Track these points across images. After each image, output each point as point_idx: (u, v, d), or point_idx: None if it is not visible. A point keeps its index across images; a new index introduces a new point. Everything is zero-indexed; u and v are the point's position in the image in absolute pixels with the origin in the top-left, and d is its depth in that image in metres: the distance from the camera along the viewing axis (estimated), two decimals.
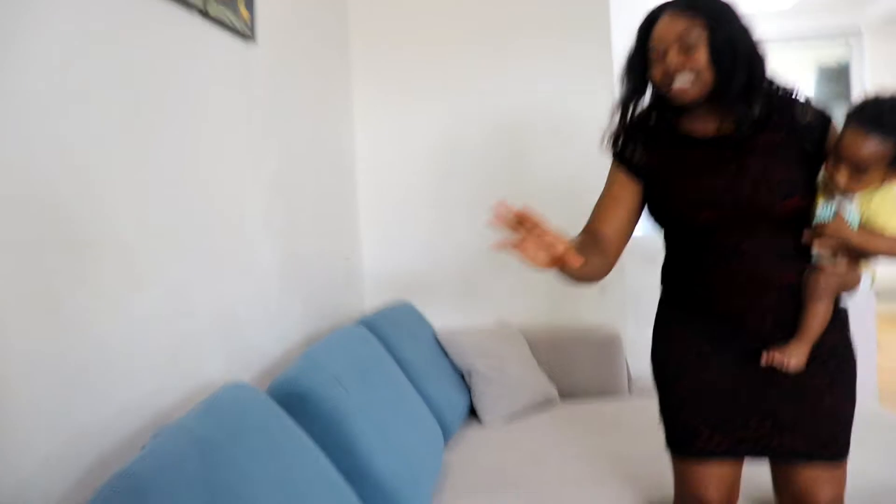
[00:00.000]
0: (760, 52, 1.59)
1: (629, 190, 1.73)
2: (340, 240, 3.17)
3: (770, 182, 1.56)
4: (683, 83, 1.55)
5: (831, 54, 7.36)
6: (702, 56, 1.53)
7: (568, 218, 3.22)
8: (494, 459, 2.42)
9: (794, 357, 1.54)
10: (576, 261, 1.40)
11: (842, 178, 1.48)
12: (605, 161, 1.78)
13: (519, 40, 3.36)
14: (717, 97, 1.57)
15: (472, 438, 2.63)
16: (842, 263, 1.54)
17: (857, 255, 1.54)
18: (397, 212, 3.42)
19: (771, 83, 1.62)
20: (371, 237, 3.40)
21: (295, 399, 1.73)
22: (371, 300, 3.31)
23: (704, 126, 1.64)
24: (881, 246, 1.51)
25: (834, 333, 1.61)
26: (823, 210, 1.53)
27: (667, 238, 1.76)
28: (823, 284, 1.54)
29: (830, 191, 1.53)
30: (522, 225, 1.39)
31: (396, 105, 3.40)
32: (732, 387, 1.65)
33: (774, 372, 1.57)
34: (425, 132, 3.41)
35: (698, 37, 1.52)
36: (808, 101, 1.63)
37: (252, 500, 1.28)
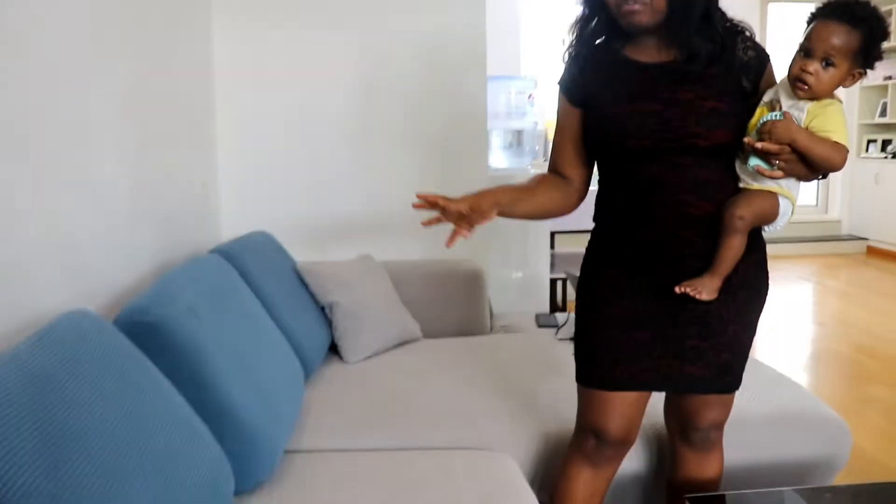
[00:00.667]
0: None
1: (573, 118, 1.72)
2: (196, 166, 2.94)
3: (699, 112, 1.55)
4: (636, 6, 1.52)
5: None
6: None
7: (444, 145, 3.18)
8: (357, 396, 2.33)
9: (706, 289, 1.56)
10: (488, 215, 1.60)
11: (811, 70, 1.49)
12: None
13: None
14: (669, 26, 1.55)
15: (334, 375, 2.53)
16: (778, 171, 1.53)
17: (796, 161, 1.52)
18: (257, 141, 3.21)
19: (718, 14, 1.60)
20: (229, 165, 3.18)
21: (144, 329, 1.57)
22: (228, 231, 3.11)
23: (649, 53, 1.62)
24: (823, 149, 1.50)
25: (748, 265, 1.64)
26: (770, 115, 1.52)
27: (599, 169, 1.74)
28: (739, 219, 1.55)
29: (773, 107, 1.54)
30: (437, 207, 1.55)
31: (259, 29, 3.16)
32: (644, 319, 1.66)
33: (686, 303, 1.58)
34: (290, 60, 3.21)
35: None
36: (750, 38, 1.62)
37: (90, 435, 1.14)
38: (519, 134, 3.81)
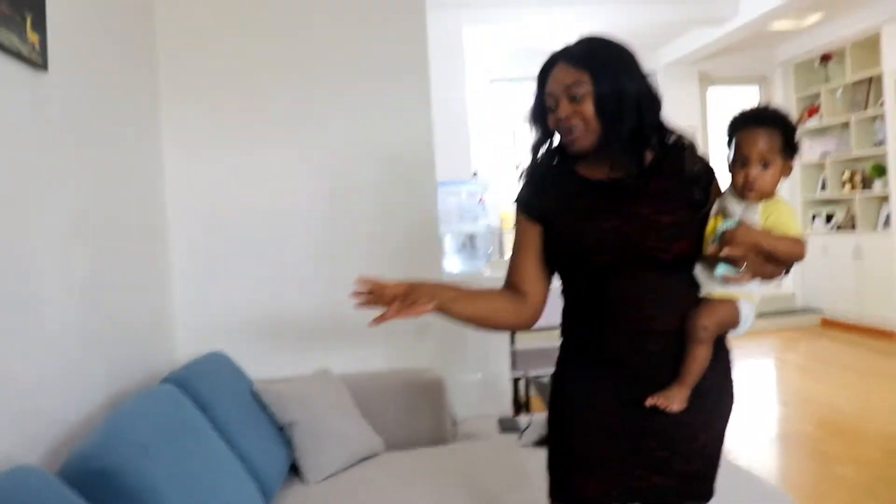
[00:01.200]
0: (651, 100, 1.63)
1: (533, 234, 1.73)
2: (150, 286, 2.92)
3: (658, 226, 1.59)
4: (574, 132, 1.59)
5: None
6: (588, 107, 1.58)
7: (397, 252, 3.21)
8: None
9: (675, 400, 1.58)
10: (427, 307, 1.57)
11: (754, 174, 1.58)
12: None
13: (339, 83, 3.28)
14: (606, 145, 1.61)
15: (296, 498, 2.47)
16: (747, 274, 1.56)
17: (763, 263, 1.56)
18: (212, 258, 3.20)
19: (663, 130, 1.66)
20: (184, 285, 3.16)
21: (93, 477, 1.53)
22: (184, 350, 3.06)
23: (599, 171, 1.67)
24: (786, 245, 1.56)
25: (715, 373, 1.64)
26: (726, 223, 1.57)
27: (563, 283, 1.75)
28: (703, 329, 1.58)
29: (726, 214, 1.60)
30: (375, 293, 1.59)
31: (210, 146, 3.19)
32: (614, 432, 1.65)
33: (654, 414, 1.58)
34: (243, 175, 3.23)
35: (585, 89, 1.57)
36: (696, 150, 1.69)
37: None
38: (472, 237, 3.86)
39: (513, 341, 4.23)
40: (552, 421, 1.77)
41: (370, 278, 1.61)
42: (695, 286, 1.64)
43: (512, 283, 1.76)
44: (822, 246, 7.83)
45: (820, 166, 7.97)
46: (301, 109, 3.25)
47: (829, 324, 7.81)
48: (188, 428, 2.05)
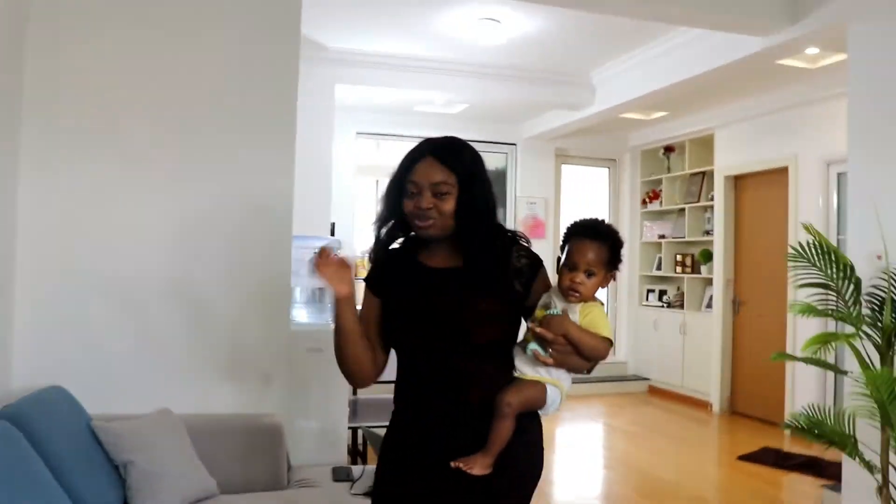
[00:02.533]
0: (494, 208, 1.88)
1: (374, 306, 1.92)
2: None
3: (474, 312, 1.80)
4: (429, 221, 1.80)
5: (492, 160, 8.40)
6: (450, 205, 1.80)
7: (248, 299, 3.31)
8: None
9: (477, 465, 1.75)
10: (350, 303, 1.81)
11: (579, 281, 1.81)
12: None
13: (206, 130, 3.40)
14: (457, 238, 1.83)
15: None
16: (550, 358, 1.77)
17: (569, 352, 1.78)
18: (58, 290, 3.19)
19: (499, 228, 1.89)
20: (25, 314, 3.12)
21: None
22: (20, 383, 3.02)
23: (440, 259, 1.87)
24: (591, 341, 1.80)
25: (519, 447, 1.82)
26: (550, 311, 1.80)
27: (398, 356, 1.92)
28: (507, 405, 1.77)
29: (549, 308, 1.82)
30: (322, 257, 1.76)
31: (68, 179, 3.21)
32: (430, 496, 1.80)
33: (465, 480, 1.75)
34: (98, 213, 3.26)
35: (450, 189, 1.79)
36: (524, 247, 1.91)
37: None
38: (321, 290, 4.01)
39: (354, 392, 4.38)
40: (377, 477, 1.94)
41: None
42: (507, 369, 1.85)
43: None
44: (654, 320, 8.47)
45: (657, 246, 8.64)
46: (165, 153, 3.33)
47: (656, 391, 8.41)
48: (20, 466, 2.08)
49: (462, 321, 1.80)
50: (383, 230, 1.92)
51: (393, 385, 1.92)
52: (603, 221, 1.92)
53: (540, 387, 1.83)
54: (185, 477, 2.83)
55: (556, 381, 1.84)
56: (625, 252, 1.93)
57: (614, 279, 1.92)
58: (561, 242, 1.93)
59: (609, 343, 1.84)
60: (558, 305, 1.83)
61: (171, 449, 2.87)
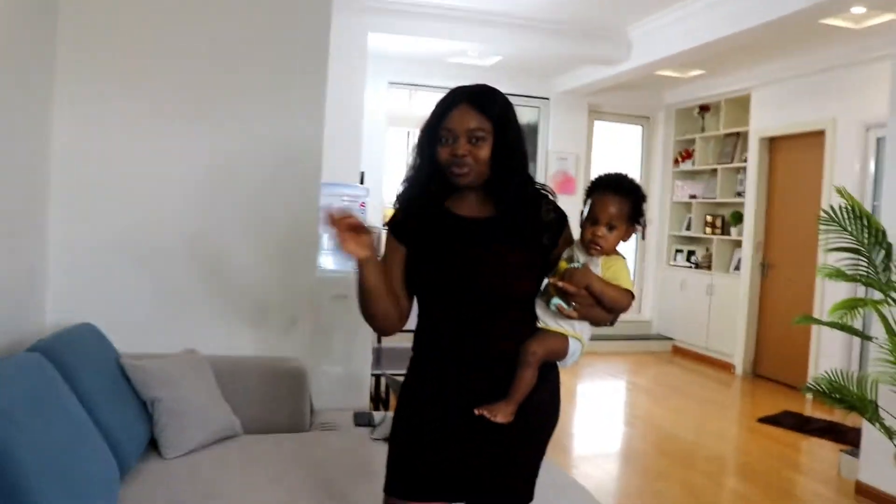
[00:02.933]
0: (524, 155, 1.88)
1: (399, 256, 1.89)
2: (23, 253, 2.95)
3: (506, 265, 1.81)
4: (465, 168, 1.79)
5: (524, 114, 8.34)
6: (485, 151, 1.79)
7: (275, 245, 3.35)
8: (173, 494, 2.41)
9: (501, 412, 1.78)
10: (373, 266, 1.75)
11: (601, 234, 1.82)
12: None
13: (237, 77, 3.40)
14: (488, 187, 1.83)
15: (152, 472, 2.58)
16: (574, 312, 1.80)
17: (592, 304, 1.81)
18: (90, 229, 3.24)
19: (528, 179, 1.90)
20: (59, 253, 3.19)
21: None
22: (53, 318, 3.11)
23: (469, 208, 1.87)
24: (613, 293, 1.82)
25: (542, 393, 1.86)
26: (572, 265, 1.82)
27: (419, 304, 1.93)
28: (532, 354, 1.80)
29: (572, 261, 1.84)
30: (336, 222, 1.67)
31: (101, 120, 3.24)
32: (448, 438, 1.84)
33: (485, 426, 1.78)
34: (131, 154, 3.29)
35: (485, 135, 1.79)
36: (552, 201, 1.92)
37: None
38: None
39: (378, 340, 4.44)
40: (395, 423, 1.97)
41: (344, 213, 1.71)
42: (532, 320, 1.87)
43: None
44: (681, 280, 8.42)
45: (688, 206, 8.56)
46: (195, 97, 3.34)
47: (679, 351, 8.41)
48: (51, 397, 2.14)
49: (494, 273, 1.81)
50: (415, 178, 1.91)
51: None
52: (626, 176, 1.91)
53: (563, 338, 1.85)
54: (209, 415, 2.90)
55: (579, 334, 1.86)
56: (647, 207, 1.92)
57: (637, 233, 1.92)
58: (584, 196, 1.93)
59: (631, 295, 1.86)
60: (581, 259, 1.85)
61: (196, 388, 2.94)
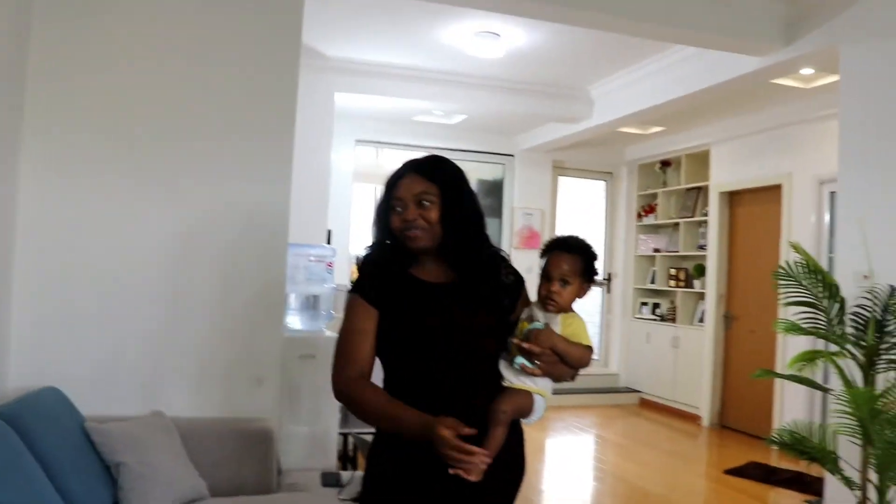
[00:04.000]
0: (478, 217, 1.96)
1: (371, 318, 1.91)
2: None
3: (474, 327, 1.88)
4: (417, 232, 1.87)
5: (489, 171, 8.45)
6: (434, 214, 1.87)
7: (242, 306, 3.36)
8: None
9: (474, 471, 1.78)
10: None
11: (555, 290, 1.92)
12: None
13: (206, 137, 3.45)
14: (443, 250, 1.90)
15: None
16: (537, 369, 1.86)
17: (555, 363, 1.87)
18: (56, 291, 3.24)
19: (485, 243, 1.97)
20: (22, 315, 3.16)
21: None
22: (16, 384, 3.06)
23: (430, 273, 1.93)
24: (576, 351, 1.91)
25: (508, 449, 1.90)
26: (535, 324, 1.89)
27: (385, 366, 1.96)
28: (502, 413, 1.84)
29: (532, 320, 1.91)
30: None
31: (69, 183, 3.26)
32: (419, 501, 1.87)
33: (455, 484, 1.78)
34: (98, 217, 3.31)
35: (433, 198, 1.87)
36: (510, 265, 2.01)
37: None
38: (316, 297, 4.07)
39: None
40: (365, 483, 1.98)
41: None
42: (498, 379, 1.92)
43: (363, 369, 1.90)
44: (647, 333, 8.52)
45: (651, 259, 8.69)
46: (164, 159, 3.38)
47: (647, 403, 8.46)
48: (12, 464, 2.12)
49: (463, 337, 1.87)
50: (377, 249, 1.98)
51: None
52: (576, 237, 2.04)
53: (528, 395, 1.91)
54: (176, 479, 2.87)
55: (542, 390, 1.92)
56: (598, 266, 2.04)
57: (589, 289, 2.01)
58: (539, 258, 2.03)
59: (591, 351, 1.96)
60: (541, 318, 1.92)
61: (162, 451, 2.91)
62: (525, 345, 1.86)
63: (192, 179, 3.41)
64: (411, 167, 1.93)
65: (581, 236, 2.05)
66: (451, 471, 1.79)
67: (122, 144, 3.33)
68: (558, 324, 1.92)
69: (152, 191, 3.36)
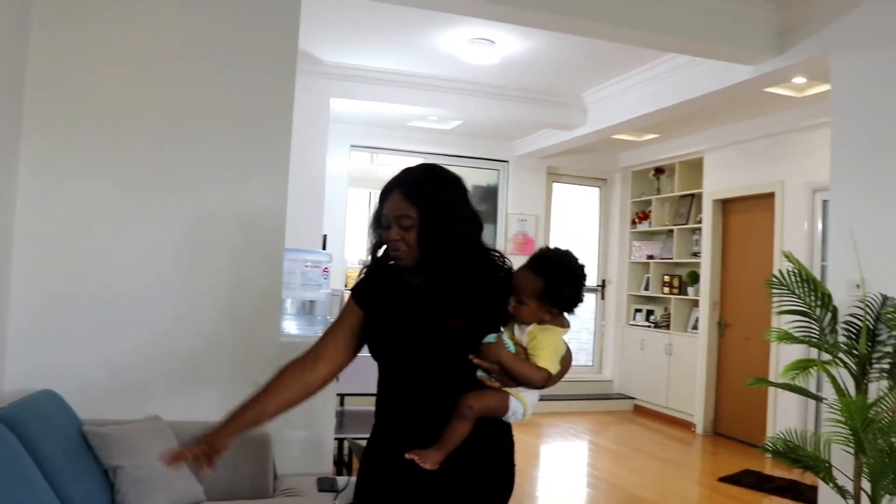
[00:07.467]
0: (470, 226, 1.96)
1: (354, 314, 2.02)
2: None
3: (442, 328, 1.88)
4: (398, 252, 1.91)
5: (484, 176, 8.47)
6: (412, 236, 1.89)
7: (239, 310, 3.36)
8: None
9: (430, 459, 1.80)
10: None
11: (511, 307, 1.88)
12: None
13: (204, 142, 3.47)
14: (424, 266, 1.91)
15: None
16: (496, 382, 1.85)
17: (507, 375, 1.86)
18: (54, 294, 3.25)
19: (483, 250, 1.99)
20: (20, 318, 3.18)
21: None
22: (13, 387, 3.08)
23: (417, 277, 1.96)
24: (522, 369, 1.86)
25: (498, 459, 1.94)
26: (488, 338, 1.87)
27: (379, 369, 2.01)
28: (468, 408, 1.83)
29: (513, 329, 1.90)
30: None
31: (68, 187, 3.28)
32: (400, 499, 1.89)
33: (445, 490, 1.83)
34: (97, 220, 3.33)
35: (412, 222, 1.88)
36: (504, 260, 2.02)
37: None
38: (311, 302, 4.08)
39: (341, 403, 4.43)
40: (357, 487, 2.02)
41: (171, 455, 1.90)
42: (475, 381, 1.89)
43: (316, 348, 2.01)
44: (641, 339, 8.54)
45: (645, 266, 8.73)
46: (160, 165, 3.41)
47: (640, 410, 8.48)
48: (11, 467, 2.13)
49: (431, 337, 1.89)
50: (375, 254, 2.04)
51: None
52: (556, 256, 1.95)
53: (503, 395, 1.89)
54: (172, 483, 2.87)
55: (518, 394, 1.89)
56: (565, 292, 1.91)
57: (560, 315, 1.93)
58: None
59: (543, 372, 1.88)
60: (516, 327, 1.91)
61: (159, 454, 2.91)
62: (475, 359, 1.86)
63: (189, 184, 3.44)
64: (398, 184, 1.94)
65: (566, 255, 1.95)
66: (407, 455, 1.82)
67: (118, 149, 3.36)
68: (526, 333, 1.89)
69: (148, 197, 3.38)
